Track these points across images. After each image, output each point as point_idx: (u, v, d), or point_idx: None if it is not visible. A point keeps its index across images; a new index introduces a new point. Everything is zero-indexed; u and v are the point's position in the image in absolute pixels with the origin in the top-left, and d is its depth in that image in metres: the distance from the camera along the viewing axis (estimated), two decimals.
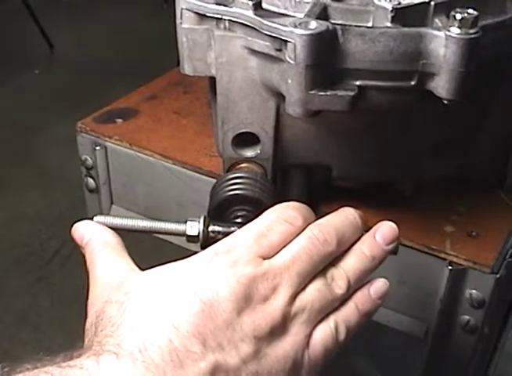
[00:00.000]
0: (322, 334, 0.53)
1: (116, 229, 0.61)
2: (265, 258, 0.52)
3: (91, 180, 0.95)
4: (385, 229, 0.58)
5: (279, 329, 0.51)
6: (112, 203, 0.97)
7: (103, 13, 3.90)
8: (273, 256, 0.53)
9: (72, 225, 0.60)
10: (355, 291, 0.56)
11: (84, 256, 0.59)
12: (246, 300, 0.50)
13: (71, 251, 2.06)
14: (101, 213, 0.95)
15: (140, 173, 0.91)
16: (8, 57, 3.31)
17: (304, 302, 0.52)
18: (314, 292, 0.53)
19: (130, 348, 0.47)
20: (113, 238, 0.59)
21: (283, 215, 0.55)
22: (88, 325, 0.52)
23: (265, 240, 0.53)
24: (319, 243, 0.54)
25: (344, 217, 0.57)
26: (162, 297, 0.50)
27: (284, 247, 0.54)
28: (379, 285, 0.57)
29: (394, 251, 0.60)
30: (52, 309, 1.97)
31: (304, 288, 0.53)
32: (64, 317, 1.90)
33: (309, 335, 0.53)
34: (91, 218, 0.61)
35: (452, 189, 0.80)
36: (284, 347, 0.51)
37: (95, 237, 0.59)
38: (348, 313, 0.55)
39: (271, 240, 0.53)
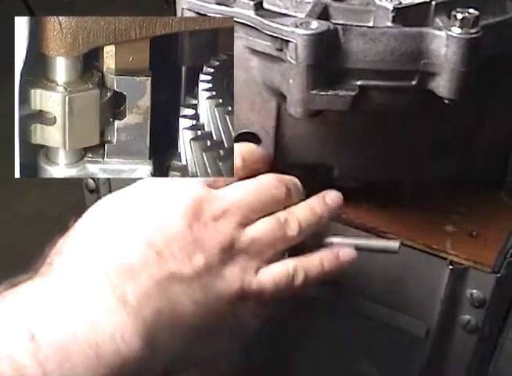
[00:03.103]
0: (277, 271, 0.57)
1: None
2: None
3: (91, 180, 0.95)
4: (333, 195, 0.64)
5: (228, 250, 0.55)
6: None
7: (103, 13, 3.90)
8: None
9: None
10: (320, 247, 0.61)
11: None
12: (197, 215, 0.54)
13: None
14: None
15: None
16: (8, 57, 3.31)
17: (253, 233, 0.57)
18: (264, 227, 0.57)
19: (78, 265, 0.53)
20: None
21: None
22: None
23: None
24: (270, 186, 0.59)
25: (289, 180, 0.62)
26: (117, 214, 0.55)
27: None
28: (348, 251, 0.61)
29: (395, 251, 0.60)
30: None
31: (254, 223, 0.57)
32: None
33: (260, 267, 0.57)
34: None
35: (453, 189, 0.80)
36: (233, 270, 0.55)
37: None
38: (311, 265, 0.59)
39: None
